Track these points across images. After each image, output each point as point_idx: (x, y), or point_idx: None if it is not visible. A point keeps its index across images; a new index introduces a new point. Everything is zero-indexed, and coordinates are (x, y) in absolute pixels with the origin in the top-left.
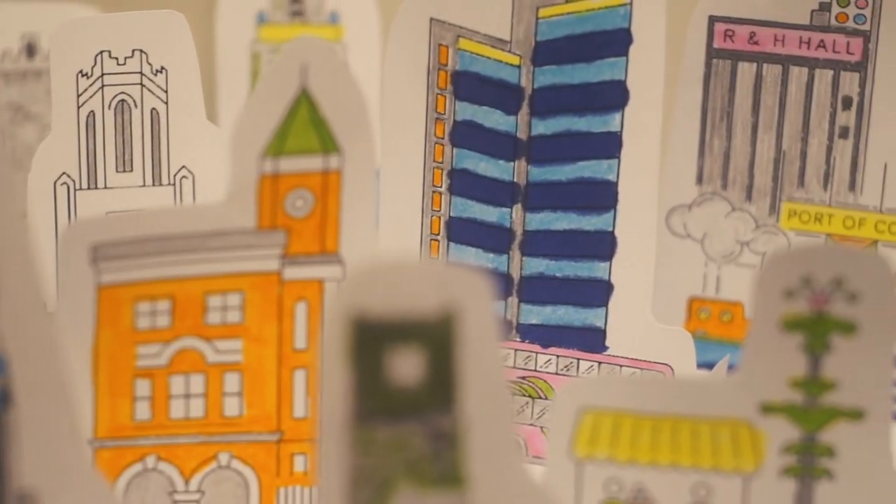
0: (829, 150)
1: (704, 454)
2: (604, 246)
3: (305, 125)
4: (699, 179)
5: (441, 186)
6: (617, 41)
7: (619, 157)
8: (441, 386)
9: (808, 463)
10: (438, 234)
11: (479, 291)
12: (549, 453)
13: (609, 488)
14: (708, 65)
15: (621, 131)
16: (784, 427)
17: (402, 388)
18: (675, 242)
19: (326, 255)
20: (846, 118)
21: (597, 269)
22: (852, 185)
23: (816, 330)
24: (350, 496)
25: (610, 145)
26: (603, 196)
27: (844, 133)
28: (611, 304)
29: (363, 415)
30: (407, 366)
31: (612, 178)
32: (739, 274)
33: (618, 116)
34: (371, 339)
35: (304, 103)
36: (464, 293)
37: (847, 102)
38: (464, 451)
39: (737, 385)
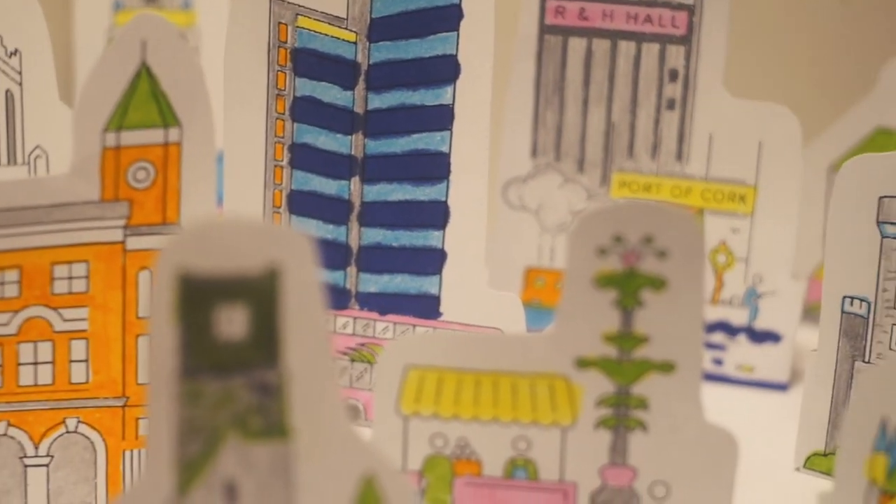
0: (657, 121)
1: (524, 409)
2: (437, 215)
3: (146, 99)
4: (534, 152)
5: (282, 160)
6: (448, 16)
7: (451, 129)
8: (265, 341)
9: (622, 415)
10: (280, 207)
11: (301, 250)
12: (377, 410)
13: (434, 443)
14: (540, 40)
15: (453, 104)
16: (599, 380)
17: (228, 342)
18: (512, 214)
19: (168, 226)
20: (672, 90)
21: (431, 238)
22: (679, 156)
23: (628, 286)
24: (179, 448)
25: (442, 118)
26: (436, 167)
27: (671, 105)
28: (444, 271)
29: (191, 369)
30: (233, 321)
31: (444, 149)
32: None
33: (449, 90)
34: (198, 295)
35: (145, 78)
36: (287, 252)
37: (673, 75)
38: (288, 404)
39: (553, 341)
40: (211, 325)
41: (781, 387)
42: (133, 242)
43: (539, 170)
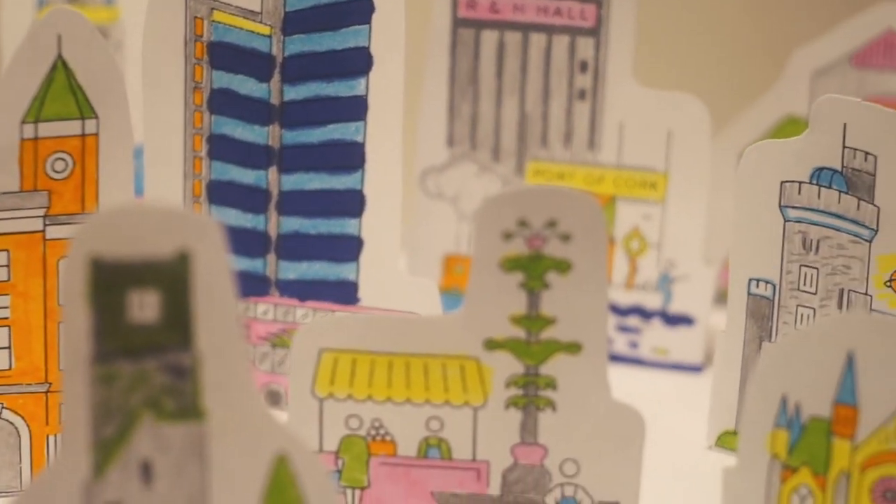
0: (569, 111)
1: (436, 389)
2: (354, 204)
3: (62, 92)
4: (450, 142)
5: (201, 151)
6: (360, 10)
7: (365, 120)
8: (177, 324)
9: (531, 394)
10: (200, 197)
11: (210, 235)
12: (292, 393)
13: (349, 424)
14: (454, 33)
15: (367, 95)
16: (508, 361)
17: (141, 326)
18: (430, 203)
19: (86, 215)
20: (583, 81)
21: (348, 226)
22: (591, 144)
23: (534, 269)
24: (95, 430)
25: (356, 108)
26: (351, 156)
27: (582, 95)
28: (362, 258)
29: (105, 353)
30: (145, 306)
31: (359, 139)
32: None
33: (363, 81)
34: (110, 280)
35: (61, 71)
36: (196, 236)
37: (583, 66)
38: (201, 385)
39: (463, 323)
40: (124, 309)
41: (696, 368)
42: (53, 231)
43: (455, 159)
